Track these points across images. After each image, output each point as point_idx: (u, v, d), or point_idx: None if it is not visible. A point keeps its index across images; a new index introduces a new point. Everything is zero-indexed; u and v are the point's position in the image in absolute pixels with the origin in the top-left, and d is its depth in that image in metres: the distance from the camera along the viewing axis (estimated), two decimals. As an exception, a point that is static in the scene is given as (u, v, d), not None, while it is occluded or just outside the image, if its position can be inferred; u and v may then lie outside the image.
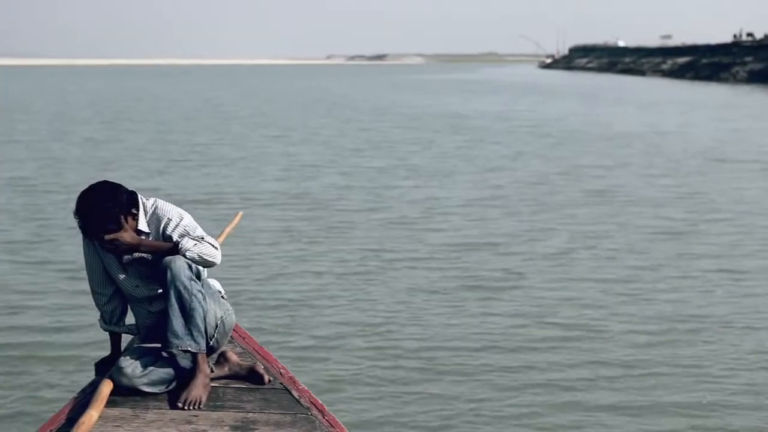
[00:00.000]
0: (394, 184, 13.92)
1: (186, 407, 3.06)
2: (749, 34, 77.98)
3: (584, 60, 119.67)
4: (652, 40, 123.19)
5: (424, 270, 8.34)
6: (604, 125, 25.57)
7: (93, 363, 3.53)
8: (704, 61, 75.36)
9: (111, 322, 3.41)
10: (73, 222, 3.16)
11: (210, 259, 3.19)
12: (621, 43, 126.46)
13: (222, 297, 3.43)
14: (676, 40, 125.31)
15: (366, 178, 14.57)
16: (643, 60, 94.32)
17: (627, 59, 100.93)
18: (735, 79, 63.49)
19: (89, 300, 3.50)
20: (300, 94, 48.40)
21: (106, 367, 3.34)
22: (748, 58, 66.79)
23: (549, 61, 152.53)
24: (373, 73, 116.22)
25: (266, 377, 3.28)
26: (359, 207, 11.85)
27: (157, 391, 3.16)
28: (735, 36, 79.33)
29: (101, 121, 27.18)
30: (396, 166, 16.21)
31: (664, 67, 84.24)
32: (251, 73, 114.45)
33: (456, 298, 7.42)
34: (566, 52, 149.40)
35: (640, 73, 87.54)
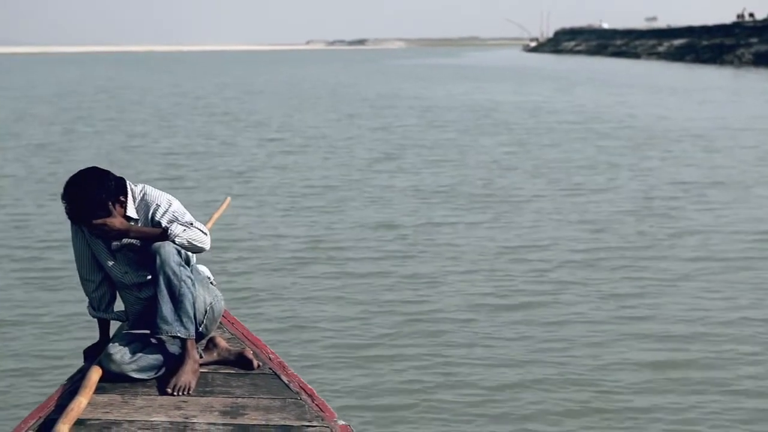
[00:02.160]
0: (451, 220, 9.76)
1: (175, 393, 3.07)
2: (750, 15, 74.54)
3: (572, 43, 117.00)
4: (637, 22, 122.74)
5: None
6: (658, 119, 21.69)
7: (82, 350, 3.52)
8: (704, 42, 71.60)
9: (100, 308, 3.41)
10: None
11: (199, 245, 3.20)
12: (605, 25, 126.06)
13: (211, 283, 3.44)
14: (662, 22, 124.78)
15: (409, 210, 10.36)
16: (636, 42, 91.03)
17: (618, 42, 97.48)
18: (740, 62, 59.70)
19: (78, 287, 3.49)
20: (290, 84, 43.26)
21: (94, 354, 3.34)
22: (753, 39, 62.94)
23: (533, 44, 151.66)
24: (357, 59, 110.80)
25: (255, 362, 3.30)
26: (412, 270, 7.74)
27: (146, 378, 3.17)
28: (738, 16, 75.94)
29: (62, 120, 22.82)
30: (444, 189, 11.75)
31: (660, 49, 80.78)
32: (231, 60, 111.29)
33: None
34: (550, 35, 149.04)
35: (635, 55, 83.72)
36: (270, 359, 3.37)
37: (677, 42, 79.07)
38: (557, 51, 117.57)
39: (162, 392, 3.08)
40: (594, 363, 5.59)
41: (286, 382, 3.16)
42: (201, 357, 3.29)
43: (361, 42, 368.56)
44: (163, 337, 3.18)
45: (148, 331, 3.23)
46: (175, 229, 3.16)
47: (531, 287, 7.14)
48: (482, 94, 33.16)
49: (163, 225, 3.19)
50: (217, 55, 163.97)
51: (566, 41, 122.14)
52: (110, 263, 3.29)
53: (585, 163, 14.28)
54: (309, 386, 3.15)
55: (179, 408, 2.95)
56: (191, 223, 3.20)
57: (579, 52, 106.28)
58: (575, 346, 5.87)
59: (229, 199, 4.43)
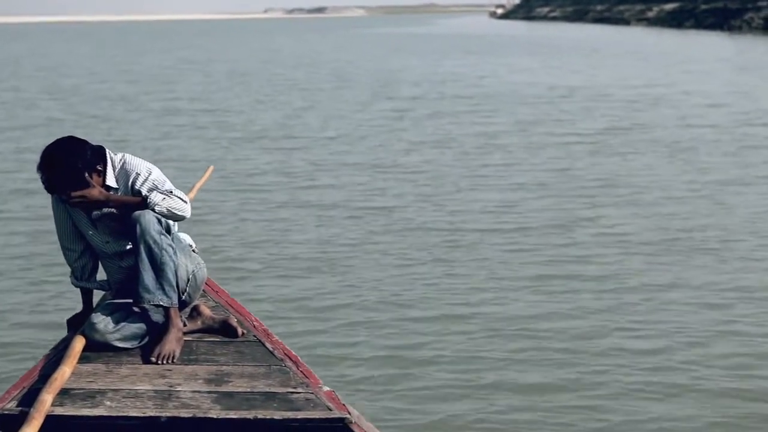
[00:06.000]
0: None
1: (159, 361, 3.07)
2: None
3: (545, 9, 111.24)
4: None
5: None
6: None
7: (65, 320, 3.50)
8: (703, 6, 64.66)
9: (82, 278, 3.40)
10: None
11: (179, 213, 3.18)
12: None
13: (193, 251, 3.43)
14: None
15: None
16: (621, 7, 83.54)
17: (598, 7, 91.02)
18: (750, 28, 54.03)
19: (60, 257, 3.45)
20: (270, 61, 34.32)
21: (78, 324, 3.33)
22: (762, 2, 57.01)
23: (500, 11, 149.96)
24: (322, 28, 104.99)
25: (240, 330, 3.30)
26: (402, 241, 7.44)
27: (130, 346, 3.17)
28: None
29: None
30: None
31: (650, 14, 73.93)
32: (189, 31, 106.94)
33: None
34: (517, 1, 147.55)
35: (623, 21, 76.31)
36: (254, 327, 3.38)
37: (668, 6, 72.02)
38: (530, 18, 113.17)
39: (146, 361, 3.08)
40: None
41: (271, 349, 3.18)
42: (185, 325, 3.29)
43: (321, 10, 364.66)
44: (146, 306, 3.18)
45: (131, 300, 3.23)
46: (155, 197, 3.14)
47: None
48: (517, 75, 25.54)
49: (143, 193, 3.17)
50: (173, 25, 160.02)
51: (539, 7, 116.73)
52: (91, 232, 3.27)
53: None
54: (293, 353, 3.16)
55: (164, 376, 2.95)
56: (171, 192, 3.18)
57: (555, 19, 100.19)
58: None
59: (212, 168, 4.42)
